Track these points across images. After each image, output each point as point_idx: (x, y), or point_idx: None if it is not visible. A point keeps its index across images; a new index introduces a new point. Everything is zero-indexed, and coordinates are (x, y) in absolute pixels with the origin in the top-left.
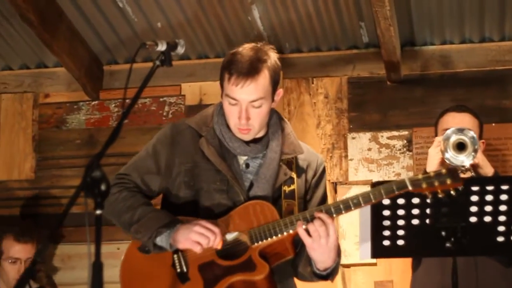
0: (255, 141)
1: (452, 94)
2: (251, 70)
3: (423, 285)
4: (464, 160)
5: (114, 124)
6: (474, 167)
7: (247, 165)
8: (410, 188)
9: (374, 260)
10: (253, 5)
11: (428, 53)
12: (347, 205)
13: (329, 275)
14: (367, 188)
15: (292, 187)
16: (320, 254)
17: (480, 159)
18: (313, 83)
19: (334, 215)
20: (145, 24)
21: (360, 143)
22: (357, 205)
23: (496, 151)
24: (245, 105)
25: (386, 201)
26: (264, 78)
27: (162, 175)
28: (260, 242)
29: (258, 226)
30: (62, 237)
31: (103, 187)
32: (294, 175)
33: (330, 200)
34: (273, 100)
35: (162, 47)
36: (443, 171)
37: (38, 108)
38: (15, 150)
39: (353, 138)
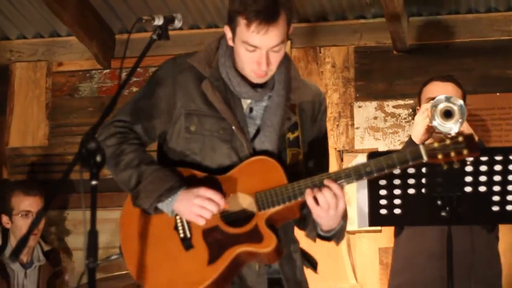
0: (261, 85)
1: (457, 64)
2: (272, 14)
3: (408, 252)
4: (451, 127)
5: (126, 92)
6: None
7: (251, 110)
8: (424, 158)
9: (379, 227)
10: None
11: (434, 23)
12: (358, 174)
13: (333, 236)
14: None
15: (296, 133)
16: (326, 221)
17: (465, 127)
18: (320, 52)
19: (344, 185)
20: None
21: (366, 111)
22: (370, 174)
23: (500, 121)
24: (265, 51)
25: None
26: (283, 20)
27: (162, 119)
28: (267, 209)
29: (264, 189)
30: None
31: (98, 158)
32: (297, 119)
33: (335, 168)
34: (287, 39)
35: (159, 21)
36: (460, 138)
37: (51, 76)
38: (29, 117)
39: (359, 106)
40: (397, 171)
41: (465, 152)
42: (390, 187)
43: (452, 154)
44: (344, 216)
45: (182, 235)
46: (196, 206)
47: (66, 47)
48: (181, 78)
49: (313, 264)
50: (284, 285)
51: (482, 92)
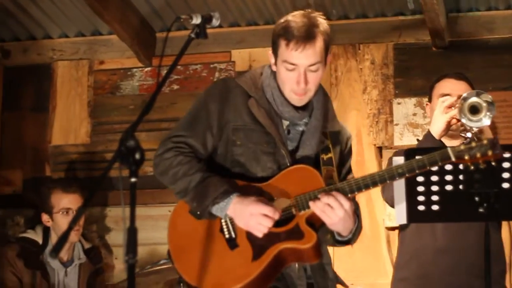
0: (301, 107)
1: (496, 60)
2: (309, 34)
3: (414, 246)
4: (483, 120)
5: (167, 90)
6: (479, 131)
7: (288, 132)
8: (453, 159)
9: None
10: None
11: (473, 19)
12: (391, 175)
13: (351, 238)
14: None
15: (329, 155)
16: (342, 225)
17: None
18: (359, 49)
19: (371, 187)
20: None
21: (405, 108)
22: (402, 175)
23: None
24: (303, 69)
25: None
26: (320, 42)
27: (214, 133)
28: (307, 210)
29: (303, 192)
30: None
31: (137, 156)
32: (329, 143)
33: (374, 164)
34: (325, 64)
35: (197, 20)
36: (485, 141)
37: (93, 74)
38: (71, 115)
39: (399, 103)
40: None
41: (489, 153)
42: (428, 183)
43: (478, 155)
44: (357, 216)
45: (227, 236)
46: (254, 222)
47: (107, 46)
48: (230, 96)
49: (342, 283)
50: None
51: None
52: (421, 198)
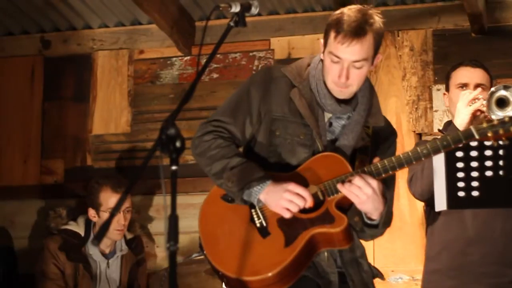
0: (345, 101)
1: None
2: (358, 31)
3: (444, 238)
4: (511, 114)
5: (207, 79)
6: None
7: (330, 124)
8: (476, 136)
9: None
10: None
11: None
12: (416, 156)
13: (380, 222)
14: None
15: (365, 157)
16: (372, 206)
17: None
18: (398, 36)
19: (397, 169)
20: None
21: None
22: (427, 155)
23: None
24: (347, 64)
25: (459, 153)
26: (369, 40)
27: (253, 121)
28: (335, 195)
29: (331, 178)
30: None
31: (178, 144)
32: (369, 142)
33: None
34: (372, 63)
35: (235, 8)
36: (506, 118)
37: (133, 64)
38: (111, 105)
39: (438, 89)
40: (474, 153)
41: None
42: (467, 169)
43: (501, 131)
44: (385, 199)
45: (258, 225)
46: (285, 200)
47: (147, 35)
48: (273, 85)
49: (377, 275)
50: (350, 285)
51: None
52: (461, 184)
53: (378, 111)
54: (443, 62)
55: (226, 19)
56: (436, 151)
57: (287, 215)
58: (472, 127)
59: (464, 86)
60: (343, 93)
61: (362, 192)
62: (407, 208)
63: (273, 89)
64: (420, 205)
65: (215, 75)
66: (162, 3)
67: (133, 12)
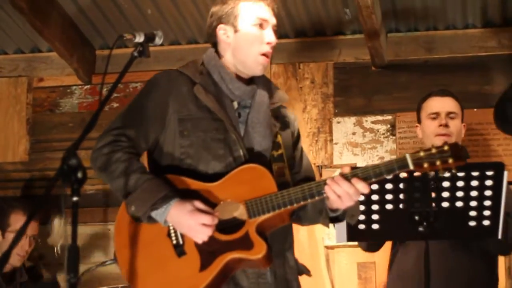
0: (249, 83)
1: (435, 80)
2: None
3: (400, 267)
4: None
5: (107, 108)
6: None
7: (239, 114)
8: (411, 167)
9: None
10: None
11: (412, 39)
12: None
13: (345, 214)
14: None
15: (279, 151)
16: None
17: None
18: (299, 68)
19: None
20: (135, 11)
21: (344, 127)
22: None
23: (477, 136)
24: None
25: None
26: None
27: (156, 124)
28: (257, 216)
29: (255, 196)
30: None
31: (79, 175)
32: (280, 140)
33: None
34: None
35: (140, 38)
36: (446, 147)
37: (32, 91)
38: (9, 132)
39: (338, 122)
40: (375, 186)
41: (450, 161)
42: (368, 202)
43: (438, 163)
44: None
45: (174, 242)
46: (192, 232)
47: (47, 63)
48: (173, 85)
49: (304, 271)
50: (269, 279)
51: None
52: (361, 217)
53: (277, 87)
54: (343, 94)
55: (128, 48)
56: (367, 179)
57: (199, 241)
58: (407, 155)
59: (435, 115)
60: (264, 66)
61: (353, 190)
62: (306, 239)
63: (174, 89)
64: (320, 236)
65: (115, 105)
66: (63, 31)
67: (33, 39)
